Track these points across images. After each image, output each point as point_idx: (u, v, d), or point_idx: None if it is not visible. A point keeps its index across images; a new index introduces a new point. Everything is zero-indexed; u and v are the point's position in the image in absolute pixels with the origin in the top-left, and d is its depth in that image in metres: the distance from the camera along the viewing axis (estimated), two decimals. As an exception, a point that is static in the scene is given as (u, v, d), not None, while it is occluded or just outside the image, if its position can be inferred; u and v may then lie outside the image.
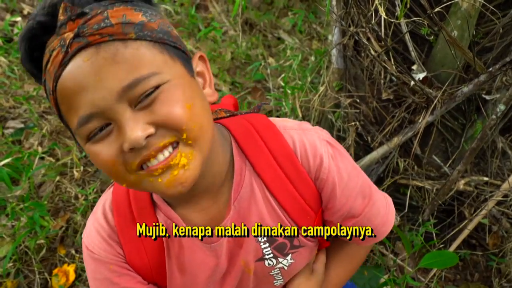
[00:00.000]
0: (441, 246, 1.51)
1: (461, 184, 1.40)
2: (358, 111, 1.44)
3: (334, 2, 1.33)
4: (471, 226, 1.42)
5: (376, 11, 1.02)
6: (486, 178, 1.45)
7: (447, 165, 1.44)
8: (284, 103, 1.59)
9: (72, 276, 1.33)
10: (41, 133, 1.67)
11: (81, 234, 1.44)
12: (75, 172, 1.59)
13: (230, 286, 0.72)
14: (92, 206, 1.54)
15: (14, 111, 1.76)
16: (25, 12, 2.37)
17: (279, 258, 0.72)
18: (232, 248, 0.69)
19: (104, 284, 0.67)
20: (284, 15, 2.92)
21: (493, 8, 1.03)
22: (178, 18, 2.58)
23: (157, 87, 0.50)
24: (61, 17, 0.50)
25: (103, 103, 0.48)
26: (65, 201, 1.52)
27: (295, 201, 0.68)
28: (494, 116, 1.09)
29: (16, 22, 2.20)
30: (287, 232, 0.69)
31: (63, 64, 0.49)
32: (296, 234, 0.70)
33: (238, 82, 2.25)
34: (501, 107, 1.08)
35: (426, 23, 1.11)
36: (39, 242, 1.36)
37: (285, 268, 0.74)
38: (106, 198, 0.69)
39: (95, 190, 1.55)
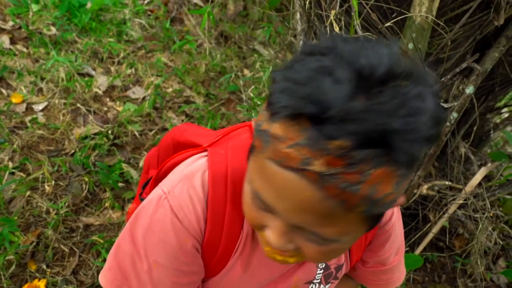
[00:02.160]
0: (408, 249, 1.56)
1: (424, 189, 1.45)
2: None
3: (298, 17, 1.39)
4: (435, 229, 1.48)
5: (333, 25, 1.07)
6: (448, 183, 1.51)
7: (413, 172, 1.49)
8: (253, 114, 1.62)
9: (43, 292, 1.32)
10: (11, 148, 1.66)
11: (52, 249, 1.44)
12: (46, 186, 1.59)
13: None
14: (64, 221, 1.53)
15: (-16, 127, 1.75)
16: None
17: (321, 285, 0.78)
18: (292, 265, 0.73)
19: (168, 250, 0.62)
20: (259, 27, 2.98)
21: (442, 23, 1.10)
22: (153, 31, 2.61)
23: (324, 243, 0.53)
24: (333, 149, 0.40)
25: (285, 218, 0.49)
26: (36, 216, 1.51)
27: (359, 239, 0.75)
28: (448, 124, 1.15)
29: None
30: (339, 263, 0.77)
31: (288, 168, 0.44)
32: (342, 266, 0.78)
33: (212, 93, 2.29)
34: (454, 114, 1.14)
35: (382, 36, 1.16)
36: (8, 258, 1.35)
37: None
38: (202, 168, 0.65)
39: (66, 204, 1.55)
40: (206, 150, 0.69)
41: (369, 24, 1.29)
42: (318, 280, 0.77)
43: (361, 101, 0.39)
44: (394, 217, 0.77)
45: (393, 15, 1.14)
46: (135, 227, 0.63)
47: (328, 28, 0.97)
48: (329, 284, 0.80)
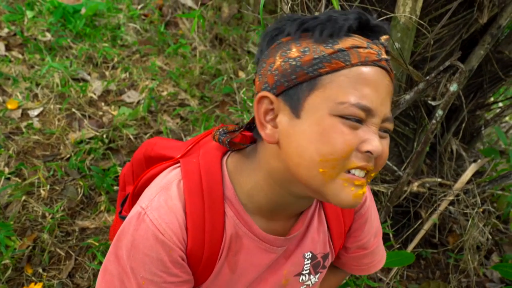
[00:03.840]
0: (401, 246, 1.57)
1: (414, 186, 1.47)
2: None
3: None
4: (426, 226, 1.49)
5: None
6: (438, 179, 1.52)
7: (402, 168, 1.51)
8: (245, 116, 1.64)
9: (39, 295, 1.34)
10: (7, 153, 1.68)
11: (48, 252, 1.46)
12: (42, 191, 1.61)
13: None
14: (60, 224, 1.55)
15: (-19, 133, 1.77)
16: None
17: (311, 275, 0.81)
18: (279, 258, 0.75)
19: (154, 264, 0.63)
20: (253, 29, 3.00)
21: (424, 23, 1.11)
22: (147, 35, 2.63)
23: (388, 133, 0.63)
24: (382, 43, 0.62)
25: (379, 111, 0.58)
26: (32, 221, 1.53)
27: (339, 226, 0.79)
28: (434, 121, 1.16)
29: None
30: (325, 251, 0.80)
31: (372, 63, 0.58)
32: (328, 254, 0.81)
33: (207, 96, 2.30)
34: (439, 112, 1.16)
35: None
36: (4, 262, 1.37)
37: (310, 286, 0.82)
38: (177, 178, 0.67)
39: (62, 208, 1.57)
40: (178, 162, 0.71)
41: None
42: (307, 271, 0.79)
43: (371, 17, 0.62)
44: (368, 201, 0.82)
45: (375, 15, 1.16)
46: (119, 247, 0.64)
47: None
48: (318, 274, 0.82)
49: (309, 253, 0.77)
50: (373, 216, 0.85)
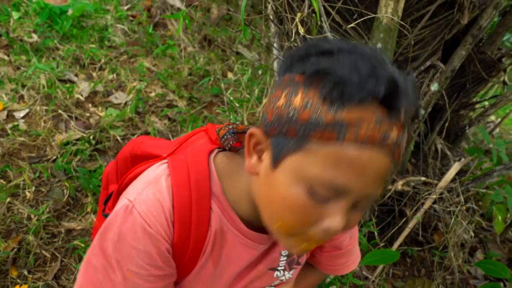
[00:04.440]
0: (386, 244, 1.59)
1: (399, 185, 1.48)
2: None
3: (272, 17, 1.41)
4: (411, 224, 1.51)
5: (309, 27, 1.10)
6: (423, 178, 1.54)
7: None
8: (231, 116, 1.65)
9: (24, 297, 1.33)
10: (-8, 155, 1.67)
11: (34, 254, 1.45)
12: (27, 193, 1.59)
13: (241, 285, 0.78)
14: (46, 226, 1.54)
15: (-35, 135, 1.75)
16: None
17: (285, 271, 0.82)
18: (259, 255, 0.76)
19: (141, 256, 0.63)
20: (240, 30, 3.01)
21: (406, 24, 1.13)
22: (135, 36, 2.62)
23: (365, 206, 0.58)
24: (404, 116, 0.52)
25: (355, 192, 0.53)
26: (17, 223, 1.52)
27: None
28: (416, 120, 1.18)
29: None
30: None
31: (371, 144, 0.51)
32: None
33: (195, 97, 2.31)
34: (421, 111, 1.18)
35: (354, 37, 1.19)
36: (-11, 265, 1.36)
37: (283, 281, 0.83)
38: (165, 172, 0.67)
39: (48, 209, 1.56)
40: (165, 160, 0.71)
41: (339, 25, 1.32)
42: (282, 267, 0.81)
43: (403, 79, 0.52)
44: None
45: (355, 16, 1.17)
46: (104, 240, 0.64)
47: (293, 30, 1.00)
48: (293, 270, 0.83)
49: (286, 251, 0.78)
50: None
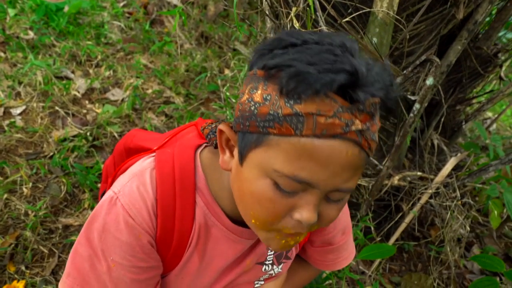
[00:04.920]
0: (383, 239, 1.60)
1: (395, 180, 1.49)
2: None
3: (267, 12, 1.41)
4: (407, 219, 1.52)
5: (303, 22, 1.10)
6: (419, 173, 1.55)
7: (383, 163, 1.53)
8: (228, 112, 1.65)
9: (22, 293, 1.33)
10: (-11, 152, 1.67)
11: (31, 250, 1.45)
12: (24, 189, 1.59)
13: (228, 279, 0.78)
14: (43, 222, 1.54)
15: (-38, 132, 1.75)
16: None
17: (274, 266, 0.82)
18: (246, 249, 0.76)
19: (123, 248, 0.63)
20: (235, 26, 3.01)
21: (402, 19, 1.13)
22: (132, 33, 2.62)
23: (342, 199, 0.57)
24: (368, 107, 0.50)
25: (323, 184, 0.52)
26: (14, 219, 1.52)
27: None
28: (411, 115, 1.19)
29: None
30: None
31: (332, 136, 0.50)
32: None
33: (192, 93, 2.31)
34: (417, 105, 1.18)
35: (350, 32, 1.19)
36: (-14, 261, 1.36)
37: (273, 275, 0.83)
38: (150, 166, 0.68)
39: (45, 205, 1.56)
40: (155, 152, 0.72)
41: (335, 20, 1.33)
42: (270, 262, 0.81)
43: (376, 68, 0.51)
44: None
45: (350, 11, 1.17)
46: (90, 230, 0.65)
47: (289, 25, 1.00)
48: (282, 264, 0.83)
49: None
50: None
